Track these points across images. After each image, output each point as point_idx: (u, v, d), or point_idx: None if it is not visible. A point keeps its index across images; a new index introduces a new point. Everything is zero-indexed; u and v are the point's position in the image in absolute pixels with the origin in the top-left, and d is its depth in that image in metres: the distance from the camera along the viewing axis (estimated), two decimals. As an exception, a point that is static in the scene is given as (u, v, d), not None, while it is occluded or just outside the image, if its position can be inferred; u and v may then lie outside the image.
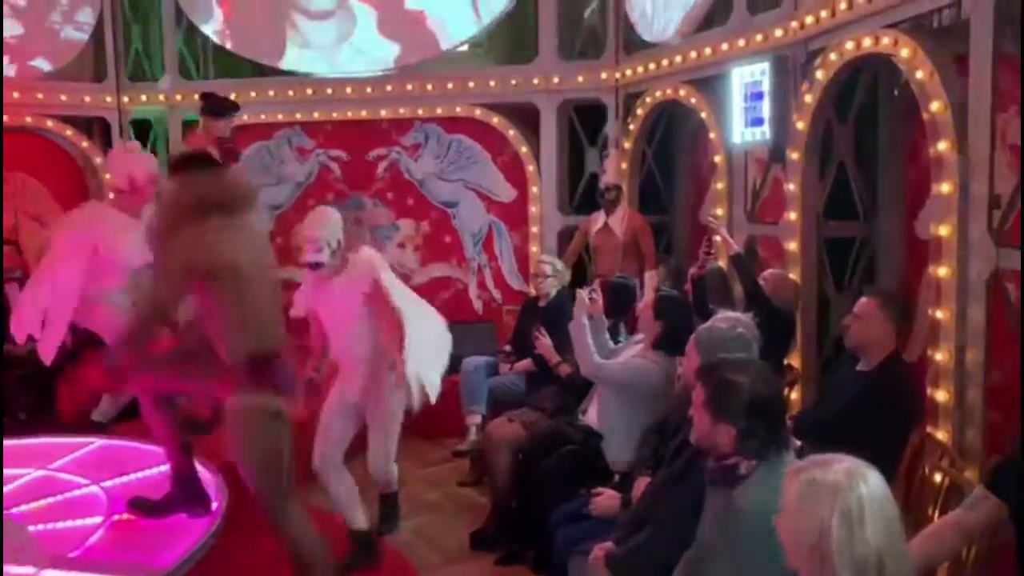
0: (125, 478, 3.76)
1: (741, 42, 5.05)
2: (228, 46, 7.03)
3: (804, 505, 1.69)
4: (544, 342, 4.59)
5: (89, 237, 4.39)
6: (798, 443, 2.69)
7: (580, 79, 6.63)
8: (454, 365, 5.76)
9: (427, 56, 6.79)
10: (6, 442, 4.29)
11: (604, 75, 6.55)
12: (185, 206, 3.03)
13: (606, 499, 3.30)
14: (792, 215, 4.65)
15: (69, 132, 6.91)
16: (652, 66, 6.06)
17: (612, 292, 4.70)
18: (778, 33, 4.72)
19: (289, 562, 3.21)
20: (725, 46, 5.21)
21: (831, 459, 1.74)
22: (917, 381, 3.52)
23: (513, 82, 6.75)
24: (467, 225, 7.02)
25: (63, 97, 6.85)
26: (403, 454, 5.58)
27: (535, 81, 6.66)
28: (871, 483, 1.69)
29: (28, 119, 6.76)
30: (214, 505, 3.55)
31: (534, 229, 6.77)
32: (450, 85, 6.82)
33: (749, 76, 4.95)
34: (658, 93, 6.03)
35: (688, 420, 2.60)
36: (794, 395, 4.45)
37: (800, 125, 4.52)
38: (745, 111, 5.04)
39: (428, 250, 7.09)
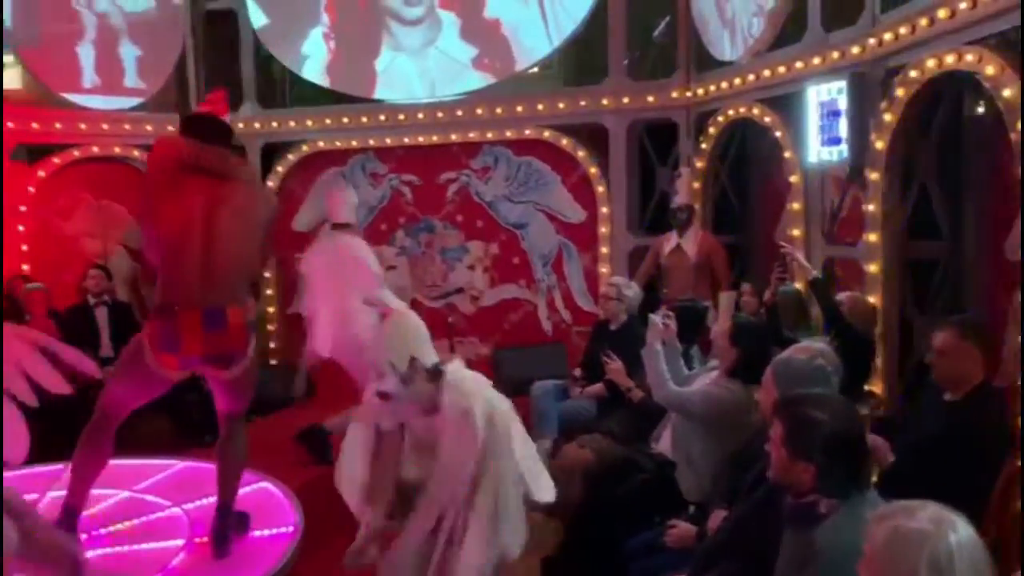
0: (206, 500, 3.85)
1: (816, 60, 4.96)
2: (327, 83, 7.17)
3: (891, 553, 1.64)
4: (615, 367, 4.54)
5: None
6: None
7: (650, 98, 6.59)
8: (524, 388, 5.81)
9: (503, 69, 6.84)
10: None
11: (675, 94, 6.50)
12: None
13: (681, 531, 3.24)
14: (872, 236, 4.53)
15: (154, 161, 7.19)
16: (724, 84, 5.99)
17: (681, 316, 4.63)
18: (855, 50, 4.62)
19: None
20: (800, 64, 5.11)
21: (916, 506, 1.68)
22: (1008, 409, 3.37)
23: (582, 103, 6.75)
24: (536, 246, 7.02)
25: (149, 127, 7.14)
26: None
27: (604, 101, 6.65)
28: (960, 530, 1.64)
29: (117, 149, 7.07)
30: (290, 528, 3.62)
31: (604, 250, 6.74)
32: (519, 108, 6.86)
33: (825, 94, 4.86)
34: (731, 112, 5.95)
35: (766, 452, 2.54)
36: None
37: (879, 144, 4.40)
38: (821, 130, 4.94)
39: (497, 272, 7.11)
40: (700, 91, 6.33)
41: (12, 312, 6.01)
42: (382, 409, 2.91)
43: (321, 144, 7.28)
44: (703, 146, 6.30)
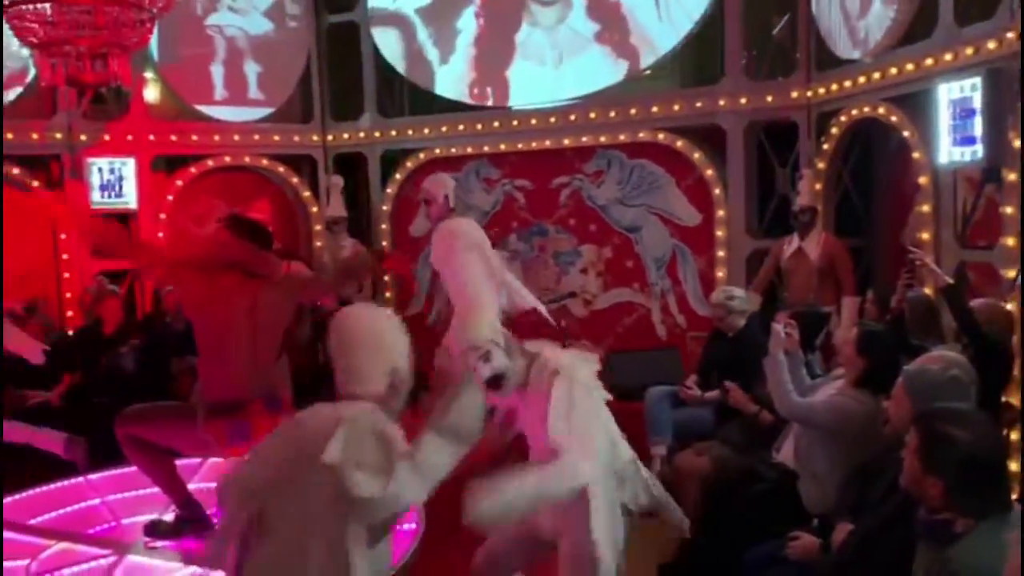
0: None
1: (948, 56, 4.73)
2: (472, 55, 7.29)
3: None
4: (737, 394, 4.45)
5: None
6: None
7: (769, 98, 6.44)
8: (636, 393, 5.78)
9: (620, 43, 6.87)
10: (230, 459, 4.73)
11: (795, 94, 6.33)
12: None
13: (805, 544, 3.16)
14: (1010, 240, 4.29)
15: (281, 169, 7.55)
16: (847, 83, 5.79)
17: (802, 322, 4.51)
18: (991, 45, 4.39)
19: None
20: (930, 61, 4.90)
21: None
22: None
23: (698, 104, 6.66)
24: (650, 250, 6.97)
25: (276, 138, 7.50)
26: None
27: (721, 102, 6.54)
28: None
29: (246, 159, 7.45)
30: (412, 525, 3.71)
31: (720, 253, 6.62)
32: (633, 111, 6.83)
33: (958, 92, 4.64)
34: (855, 111, 5.75)
35: (894, 465, 2.47)
36: (1014, 435, 4.08)
37: (1018, 143, 4.16)
38: (953, 129, 4.72)
39: (611, 275, 7.10)
40: (821, 90, 6.14)
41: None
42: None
43: (437, 151, 7.46)
44: (825, 146, 6.11)
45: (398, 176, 7.58)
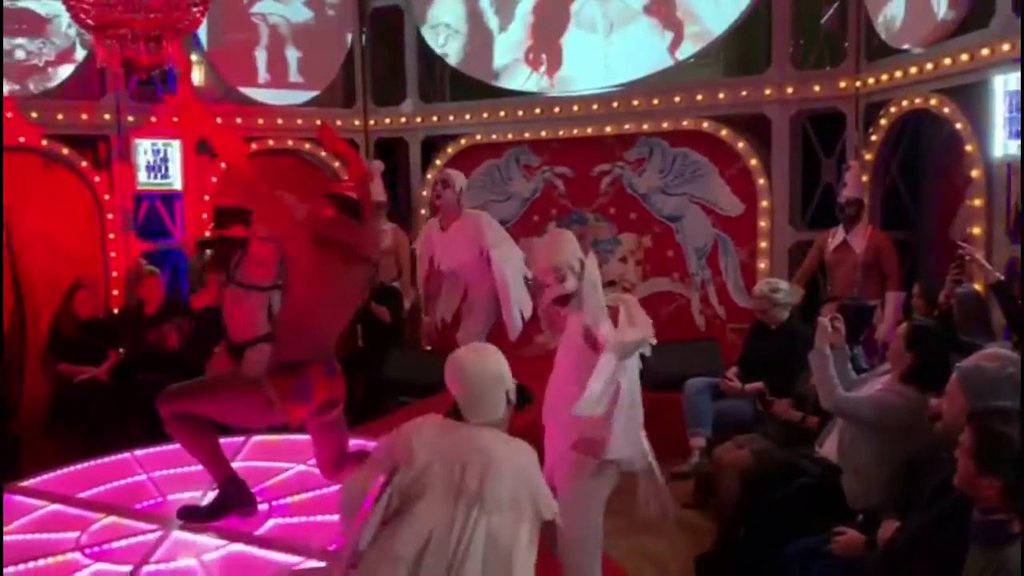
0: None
1: (1006, 47, 4.63)
2: (531, 22, 7.21)
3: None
4: (780, 407, 4.42)
5: None
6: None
7: (816, 88, 6.34)
8: (674, 383, 5.75)
9: (667, 15, 6.79)
10: (274, 437, 4.80)
11: (843, 84, 6.23)
12: None
13: (850, 539, 3.14)
14: (1065, 236, 4.19)
15: (323, 153, 7.60)
16: (898, 73, 5.69)
17: (847, 315, 4.45)
18: (1051, 35, 4.28)
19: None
20: (986, 51, 4.79)
21: None
22: None
23: (743, 93, 6.58)
24: (691, 239, 6.92)
25: (318, 122, 7.51)
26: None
27: (767, 92, 6.46)
28: None
29: (289, 142, 7.51)
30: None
31: (763, 244, 6.55)
32: (677, 99, 6.76)
33: (1014, 83, 4.53)
34: (904, 102, 5.65)
35: (944, 463, 2.44)
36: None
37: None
38: (1009, 121, 4.62)
39: (650, 264, 7.06)
40: (871, 80, 6.03)
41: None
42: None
43: (478, 137, 7.46)
44: (873, 137, 6.01)
45: (438, 162, 7.59)
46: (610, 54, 6.96)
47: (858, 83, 6.15)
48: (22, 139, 6.44)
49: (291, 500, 3.92)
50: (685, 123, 6.78)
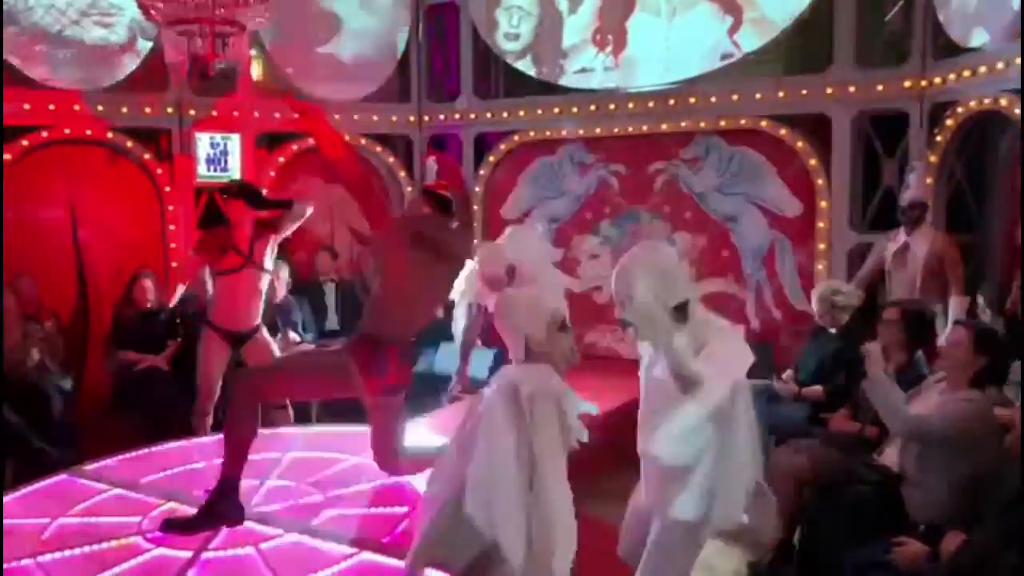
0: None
1: (1084, 45, 4.46)
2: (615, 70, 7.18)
3: None
4: (837, 421, 4.33)
5: None
6: None
7: (879, 87, 6.19)
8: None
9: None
10: (331, 428, 4.86)
11: (907, 83, 6.07)
12: None
13: (912, 551, 3.07)
14: None
15: (379, 149, 7.67)
16: (967, 73, 5.53)
17: (909, 319, 4.35)
18: None
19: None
20: (1062, 50, 4.62)
21: None
22: None
23: (804, 92, 6.46)
24: (747, 240, 6.81)
25: (374, 118, 7.61)
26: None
27: (828, 90, 6.32)
28: None
29: (346, 138, 7.56)
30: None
31: (821, 246, 6.42)
32: (735, 97, 6.67)
33: (1093, 83, 4.37)
34: (972, 103, 5.49)
35: (1013, 476, 2.36)
36: None
37: None
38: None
39: (704, 265, 6.97)
40: (937, 80, 5.87)
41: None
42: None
43: (532, 134, 7.45)
44: (938, 139, 5.85)
45: (491, 159, 7.60)
46: (671, 38, 6.90)
47: (924, 83, 5.99)
48: (88, 132, 6.61)
49: (346, 491, 3.96)
50: (743, 121, 6.68)
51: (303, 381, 3.67)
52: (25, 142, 6.39)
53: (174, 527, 3.47)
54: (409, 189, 7.73)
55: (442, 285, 3.76)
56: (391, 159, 7.74)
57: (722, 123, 6.76)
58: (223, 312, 5.16)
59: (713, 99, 6.73)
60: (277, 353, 5.35)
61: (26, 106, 6.34)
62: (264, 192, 5.63)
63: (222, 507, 3.52)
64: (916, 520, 3.41)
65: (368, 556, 3.33)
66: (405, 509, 3.77)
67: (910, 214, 5.53)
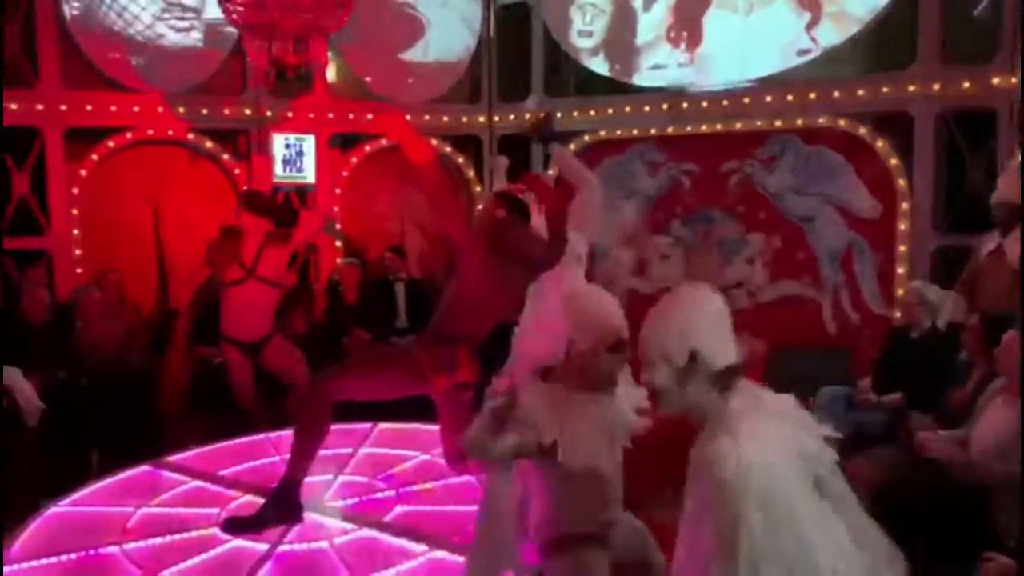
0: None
1: None
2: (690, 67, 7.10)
3: None
4: (930, 443, 4.14)
5: None
6: None
7: (965, 84, 5.97)
8: (800, 391, 5.53)
9: None
10: (400, 425, 4.91)
11: (996, 80, 5.83)
12: None
13: (1000, 567, 2.93)
14: None
15: (448, 149, 7.73)
16: (1061, 69, 5.29)
17: (991, 328, 4.17)
18: None
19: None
20: None
21: None
22: None
23: (885, 89, 6.27)
24: (824, 241, 6.63)
25: (445, 118, 7.66)
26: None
27: (911, 88, 6.12)
28: None
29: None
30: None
31: (902, 248, 6.22)
32: (812, 95, 6.51)
33: None
34: (1067, 99, 5.24)
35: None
36: None
37: None
38: None
39: (779, 266, 6.82)
40: (1029, 76, 5.63)
41: (333, 285, 6.77)
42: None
43: (602, 133, 7.41)
44: (1029, 137, 5.61)
45: (561, 158, 7.56)
46: (748, 34, 6.77)
47: (1014, 79, 5.74)
48: (170, 132, 6.82)
49: (416, 488, 4.00)
50: (821, 120, 6.51)
51: (375, 380, 3.73)
52: (111, 143, 6.62)
53: (235, 527, 3.56)
54: (478, 189, 7.77)
55: (517, 286, 3.76)
56: (460, 159, 7.78)
57: (799, 121, 6.61)
58: (231, 323, 5.36)
59: (790, 97, 6.59)
60: (295, 356, 5.50)
61: (112, 108, 6.57)
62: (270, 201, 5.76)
63: (282, 507, 3.61)
64: (1001, 534, 3.27)
65: (439, 554, 3.35)
66: (475, 508, 3.78)
67: (999, 215, 5.30)
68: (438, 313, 3.77)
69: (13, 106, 6.18)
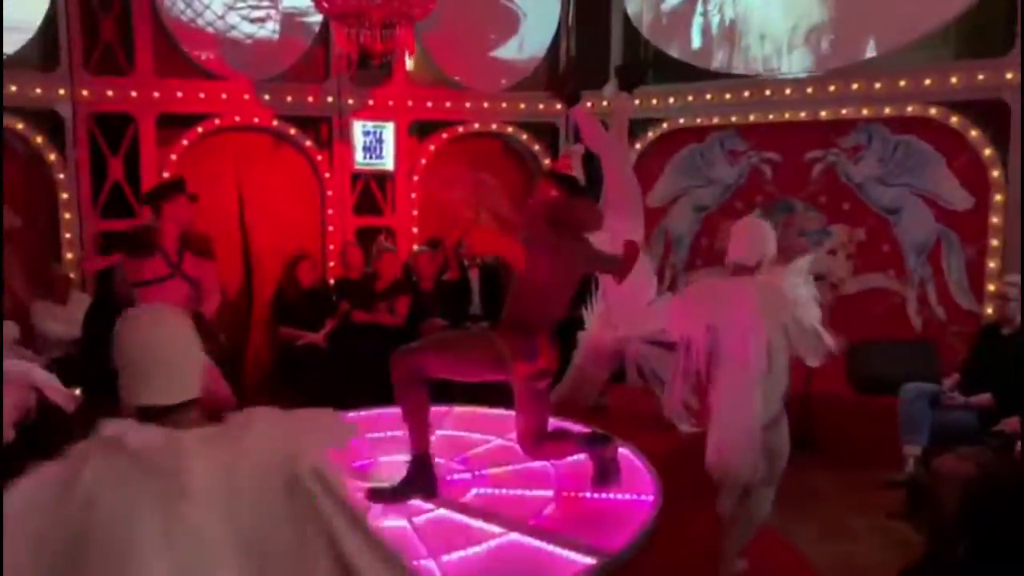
0: (573, 458, 4.07)
1: None
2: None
3: None
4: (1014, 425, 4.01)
5: None
6: None
7: (1068, 70, 5.71)
8: (883, 387, 5.40)
9: None
10: (475, 409, 4.97)
11: (1101, 66, 5.56)
12: None
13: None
14: None
15: (524, 136, 7.74)
16: None
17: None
18: None
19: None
20: None
21: None
22: None
23: (980, 77, 6.03)
24: (910, 234, 6.43)
25: (522, 106, 7.67)
26: (824, 474, 5.40)
27: (1008, 75, 5.87)
28: None
29: (493, 126, 7.70)
30: (650, 496, 3.73)
31: (994, 242, 5.99)
32: (902, 83, 6.30)
33: None
34: None
35: None
36: None
37: None
38: None
39: (862, 259, 6.64)
40: None
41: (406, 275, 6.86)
42: None
43: (681, 121, 7.32)
44: None
45: (638, 146, 7.51)
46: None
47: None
48: (256, 120, 7.00)
49: (492, 471, 4.04)
50: (910, 109, 6.30)
51: (457, 361, 3.77)
52: (200, 129, 6.83)
53: (378, 496, 3.69)
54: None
55: (580, 264, 3.83)
56: (536, 147, 7.79)
57: (887, 110, 6.41)
58: None
59: (877, 85, 6.39)
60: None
61: (201, 95, 6.78)
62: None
63: (419, 479, 3.72)
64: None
65: (516, 536, 3.39)
66: (550, 493, 3.81)
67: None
68: (512, 300, 3.80)
69: (109, 93, 6.44)
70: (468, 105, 7.57)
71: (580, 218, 3.73)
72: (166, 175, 6.61)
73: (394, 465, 4.03)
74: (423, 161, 7.55)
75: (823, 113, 6.66)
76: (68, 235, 6.42)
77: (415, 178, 7.53)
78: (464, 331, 4.03)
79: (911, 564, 4.02)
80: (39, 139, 6.32)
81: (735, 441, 3.35)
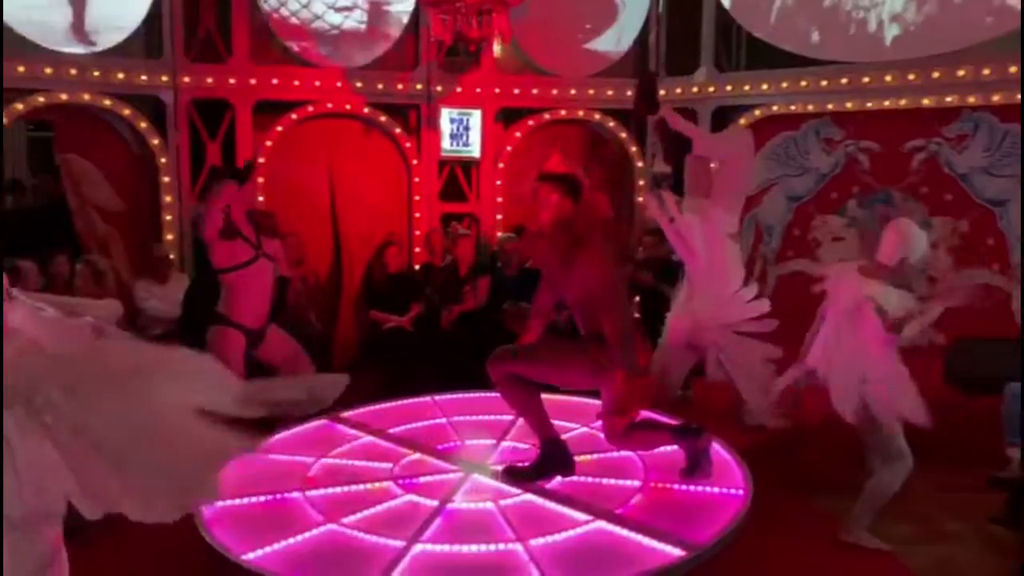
0: (661, 449, 4.02)
1: None
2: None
3: None
4: None
5: None
6: None
7: None
8: (985, 386, 5.16)
9: None
10: (560, 397, 4.96)
11: None
12: None
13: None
14: None
15: (612, 124, 7.67)
16: None
17: None
18: None
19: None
20: None
21: None
22: None
23: (1098, 63, 5.70)
24: (1017, 227, 6.12)
25: (610, 92, 7.60)
26: (920, 475, 5.20)
27: None
28: None
29: (580, 113, 7.64)
30: (739, 491, 3.68)
31: (1109, 237, 5.68)
32: (1013, 69, 6.00)
33: None
34: None
35: None
36: None
37: None
38: None
39: (965, 252, 6.36)
40: None
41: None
42: None
43: (775, 108, 7.13)
44: None
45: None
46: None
47: None
48: (348, 107, 7.13)
49: (579, 459, 4.04)
50: (1020, 96, 5.99)
51: (557, 371, 3.77)
52: (294, 115, 7.00)
53: (515, 476, 3.78)
54: (640, 164, 7.69)
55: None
56: (623, 134, 7.71)
57: (995, 98, 6.11)
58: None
59: (986, 72, 6.10)
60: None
61: (296, 82, 6.94)
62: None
63: (556, 460, 3.79)
64: None
65: (603, 524, 3.38)
66: (637, 483, 3.79)
67: None
68: (584, 322, 3.74)
69: (209, 80, 6.66)
70: (555, 92, 7.54)
71: (601, 220, 3.70)
72: (261, 160, 6.81)
73: (481, 449, 4.08)
74: (508, 148, 7.56)
75: (926, 100, 6.39)
76: (169, 217, 6.68)
77: (500, 165, 7.55)
78: (561, 342, 4.06)
79: (1012, 570, 3.90)
80: (143, 124, 6.59)
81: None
